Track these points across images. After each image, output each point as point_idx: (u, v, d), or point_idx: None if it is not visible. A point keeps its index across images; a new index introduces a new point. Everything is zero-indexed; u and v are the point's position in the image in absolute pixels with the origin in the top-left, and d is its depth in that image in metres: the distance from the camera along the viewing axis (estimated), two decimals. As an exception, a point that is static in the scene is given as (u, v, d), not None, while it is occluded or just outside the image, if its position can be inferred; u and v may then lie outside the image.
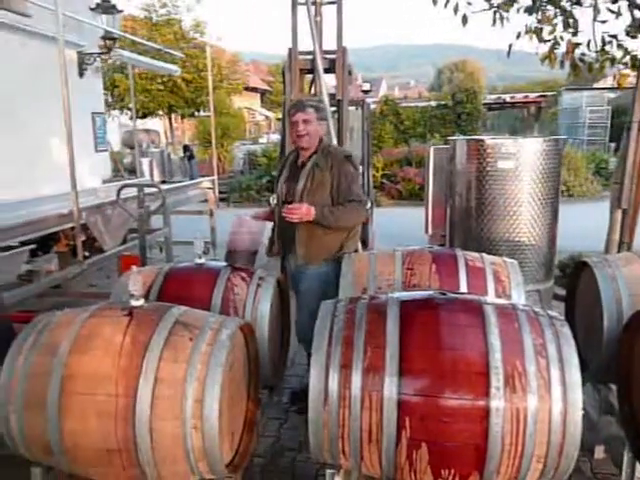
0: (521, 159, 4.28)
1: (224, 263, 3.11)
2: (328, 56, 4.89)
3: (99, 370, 2.04)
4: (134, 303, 2.23)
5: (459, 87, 21.83)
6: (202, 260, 3.07)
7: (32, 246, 4.44)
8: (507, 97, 25.53)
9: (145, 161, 14.53)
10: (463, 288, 2.86)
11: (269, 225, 3.50)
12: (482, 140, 4.47)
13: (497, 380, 1.88)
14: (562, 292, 4.77)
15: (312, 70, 4.97)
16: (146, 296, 2.59)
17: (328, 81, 5.02)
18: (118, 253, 5.40)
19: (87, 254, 4.99)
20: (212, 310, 2.75)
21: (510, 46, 5.19)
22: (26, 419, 2.11)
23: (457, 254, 3.07)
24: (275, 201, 3.44)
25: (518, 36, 5.18)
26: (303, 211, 3.10)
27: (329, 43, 4.92)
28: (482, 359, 1.93)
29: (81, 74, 7.52)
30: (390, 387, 1.93)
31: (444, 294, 2.23)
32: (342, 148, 3.63)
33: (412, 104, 23.16)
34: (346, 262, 3.14)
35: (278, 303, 3.16)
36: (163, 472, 2.09)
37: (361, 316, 2.11)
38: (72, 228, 4.61)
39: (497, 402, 1.87)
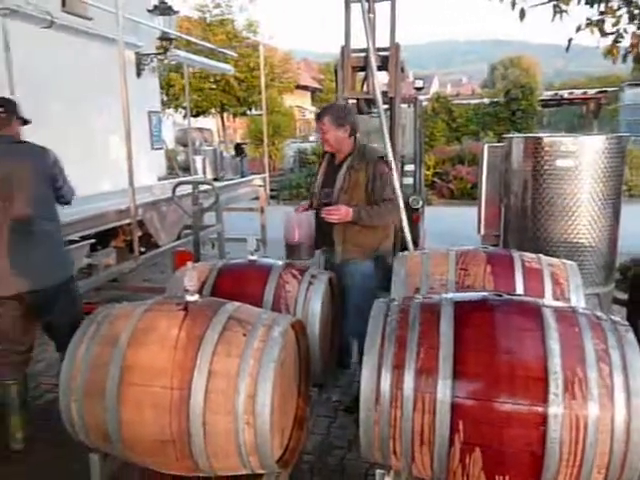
0: (581, 157, 4.12)
1: (276, 260, 3.14)
2: (381, 53, 4.83)
3: (155, 363, 2.10)
4: (189, 298, 2.27)
5: (514, 83, 21.23)
6: (254, 257, 3.10)
7: (92, 240, 4.59)
8: (565, 93, 24.63)
9: (198, 159, 14.80)
10: (519, 290, 2.78)
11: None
12: (540, 138, 4.33)
13: (556, 386, 1.82)
14: (623, 296, 4.59)
15: (364, 67, 4.93)
16: (200, 291, 2.63)
17: (381, 79, 4.97)
18: (172, 249, 5.54)
19: (143, 249, 5.13)
20: (264, 307, 2.78)
21: (570, 40, 4.98)
22: (86, 407, 2.19)
23: (513, 255, 2.99)
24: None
25: (578, 29, 4.97)
26: (342, 212, 3.25)
27: (381, 40, 4.88)
28: (540, 364, 1.87)
29: (138, 74, 7.76)
30: (443, 389, 1.89)
31: (500, 295, 2.18)
32: (376, 149, 3.71)
33: (464, 101, 22.72)
34: (398, 261, 3.11)
35: (329, 301, 3.16)
36: (216, 465, 2.13)
37: (414, 316, 2.08)
38: (129, 224, 4.75)
39: (556, 409, 1.81)
